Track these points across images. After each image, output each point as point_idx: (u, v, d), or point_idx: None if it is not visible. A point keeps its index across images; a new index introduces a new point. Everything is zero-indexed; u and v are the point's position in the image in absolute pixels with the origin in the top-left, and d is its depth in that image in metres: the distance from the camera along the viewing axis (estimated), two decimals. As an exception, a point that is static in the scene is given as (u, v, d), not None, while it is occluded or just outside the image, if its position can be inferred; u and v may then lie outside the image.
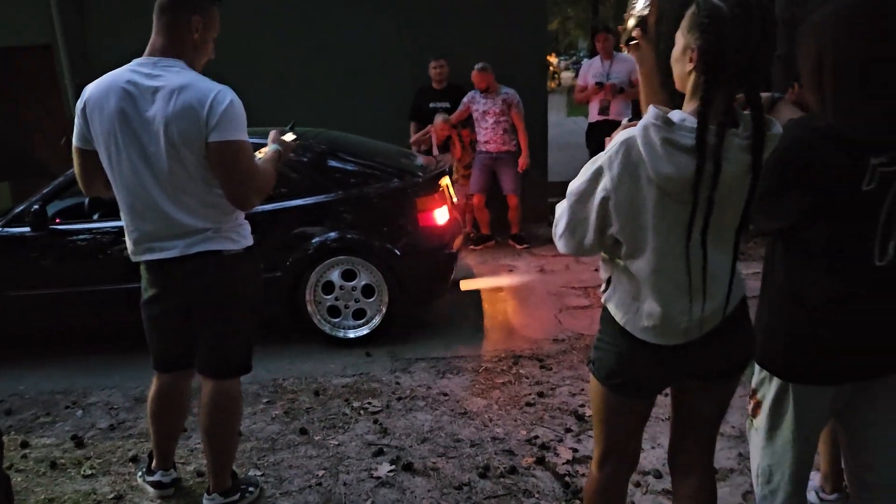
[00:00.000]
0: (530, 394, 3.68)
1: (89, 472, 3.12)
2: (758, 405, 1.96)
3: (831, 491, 2.48)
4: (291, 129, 3.00)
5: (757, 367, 1.94)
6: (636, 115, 1.75)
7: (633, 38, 1.78)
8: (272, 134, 2.73)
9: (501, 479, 2.90)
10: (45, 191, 4.36)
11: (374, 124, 6.65)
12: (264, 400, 3.76)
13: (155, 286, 2.55)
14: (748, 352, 1.84)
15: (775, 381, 1.88)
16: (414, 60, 6.99)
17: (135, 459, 3.20)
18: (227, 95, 2.30)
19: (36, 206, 4.22)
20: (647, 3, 1.73)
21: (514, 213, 6.73)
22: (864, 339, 1.79)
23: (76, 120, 2.41)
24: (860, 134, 1.66)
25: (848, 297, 1.77)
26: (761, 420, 1.95)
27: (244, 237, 2.55)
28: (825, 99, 1.72)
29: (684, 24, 1.56)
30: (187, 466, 3.10)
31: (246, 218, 2.59)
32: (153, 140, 2.30)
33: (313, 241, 4.39)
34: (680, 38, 1.58)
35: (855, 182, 1.68)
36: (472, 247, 6.70)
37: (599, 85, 6.63)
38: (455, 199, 5.24)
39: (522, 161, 6.53)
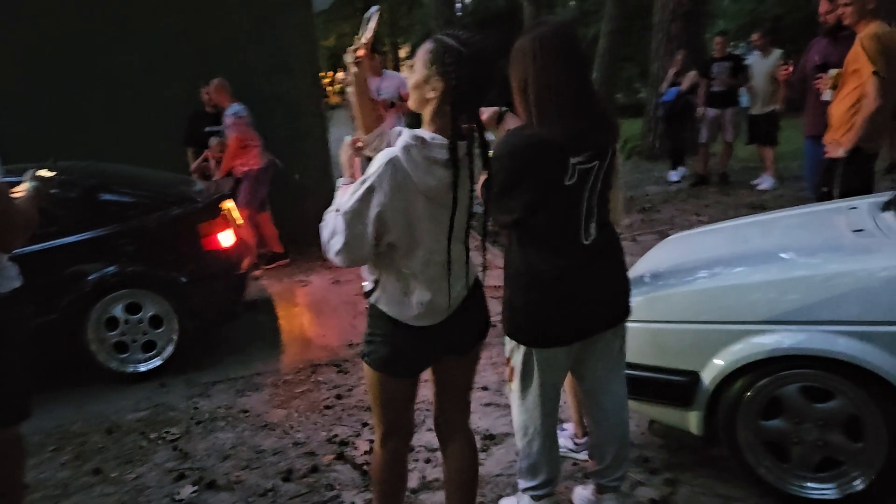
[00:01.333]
0: (329, 398, 3.86)
1: None
2: (512, 371, 2.31)
3: (582, 435, 2.93)
4: (51, 165, 2.92)
5: (507, 339, 2.28)
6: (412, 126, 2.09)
7: (359, 59, 2.19)
8: (29, 172, 2.66)
9: (304, 479, 3.06)
10: None
11: (150, 153, 6.35)
12: (50, 448, 3.59)
13: None
14: (486, 325, 2.20)
15: (522, 349, 2.24)
16: (186, 85, 6.87)
17: None
18: None
19: None
20: (371, 31, 2.21)
21: (262, 230, 6.63)
22: (583, 305, 2.19)
23: None
24: (560, 139, 2.05)
25: (566, 272, 2.16)
26: (515, 383, 2.31)
27: (8, 279, 2.47)
28: (531, 111, 2.09)
29: (424, 56, 1.88)
30: (-33, 529, 2.91)
31: (12, 260, 2.50)
32: None
33: (89, 277, 4.23)
34: (420, 68, 1.89)
35: (561, 178, 2.07)
36: (264, 266, 6.71)
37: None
38: (242, 221, 5.26)
39: (219, 173, 6.44)
